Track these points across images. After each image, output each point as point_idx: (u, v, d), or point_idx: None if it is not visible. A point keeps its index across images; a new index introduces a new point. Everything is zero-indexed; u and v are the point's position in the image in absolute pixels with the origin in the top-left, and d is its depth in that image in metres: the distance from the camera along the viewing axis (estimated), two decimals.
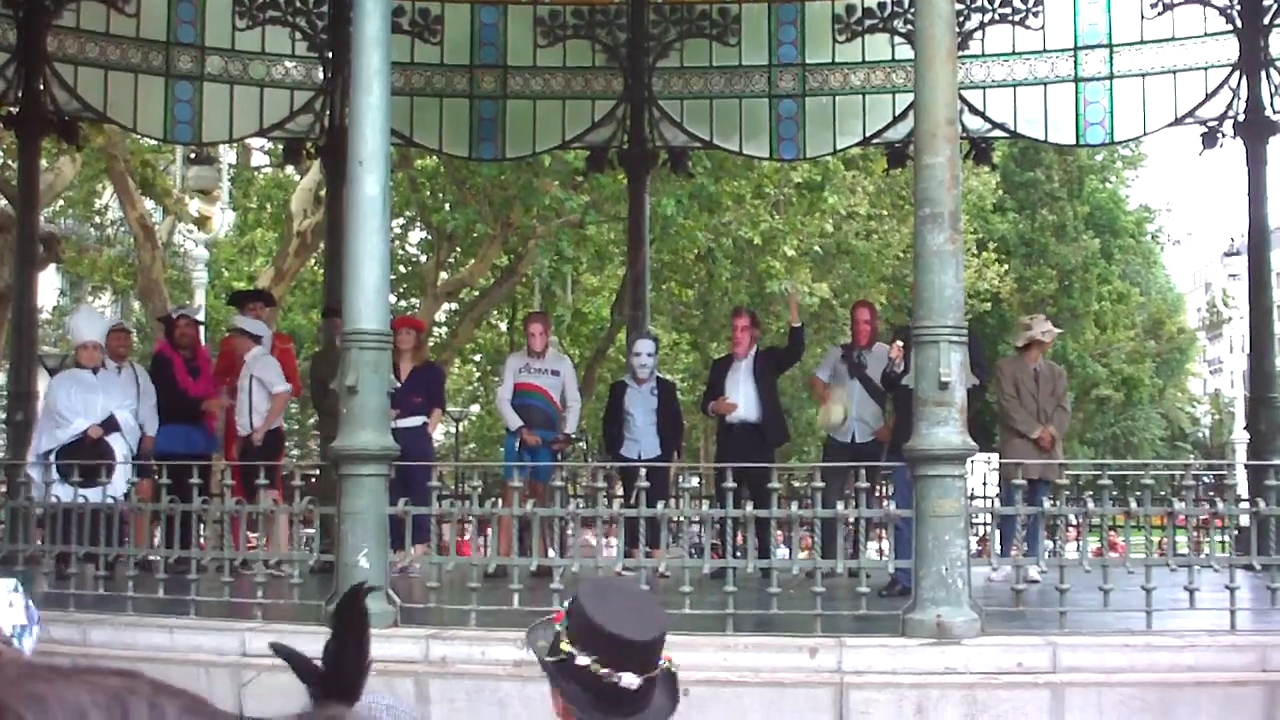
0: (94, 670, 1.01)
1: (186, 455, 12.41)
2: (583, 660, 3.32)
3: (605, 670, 3.27)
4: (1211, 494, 15.15)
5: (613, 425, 14.29)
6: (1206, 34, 15.66)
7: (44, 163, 19.95)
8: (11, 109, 15.38)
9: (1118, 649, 8.43)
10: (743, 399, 13.74)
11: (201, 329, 15.88)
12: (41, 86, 15.44)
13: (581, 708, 3.35)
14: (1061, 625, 8.75)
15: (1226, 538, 13.22)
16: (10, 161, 21.55)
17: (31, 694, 0.96)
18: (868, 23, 16.62)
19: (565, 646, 3.36)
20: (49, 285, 34.13)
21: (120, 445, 12.71)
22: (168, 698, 1.01)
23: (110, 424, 12.66)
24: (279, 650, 1.98)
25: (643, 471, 9.60)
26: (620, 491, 14.87)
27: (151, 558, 10.70)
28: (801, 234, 29.80)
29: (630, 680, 3.26)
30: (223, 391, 14.47)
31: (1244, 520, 10.03)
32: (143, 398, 13.67)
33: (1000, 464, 13.66)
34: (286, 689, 1.92)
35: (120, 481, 11.67)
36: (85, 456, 11.93)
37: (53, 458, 12.13)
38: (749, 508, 9.31)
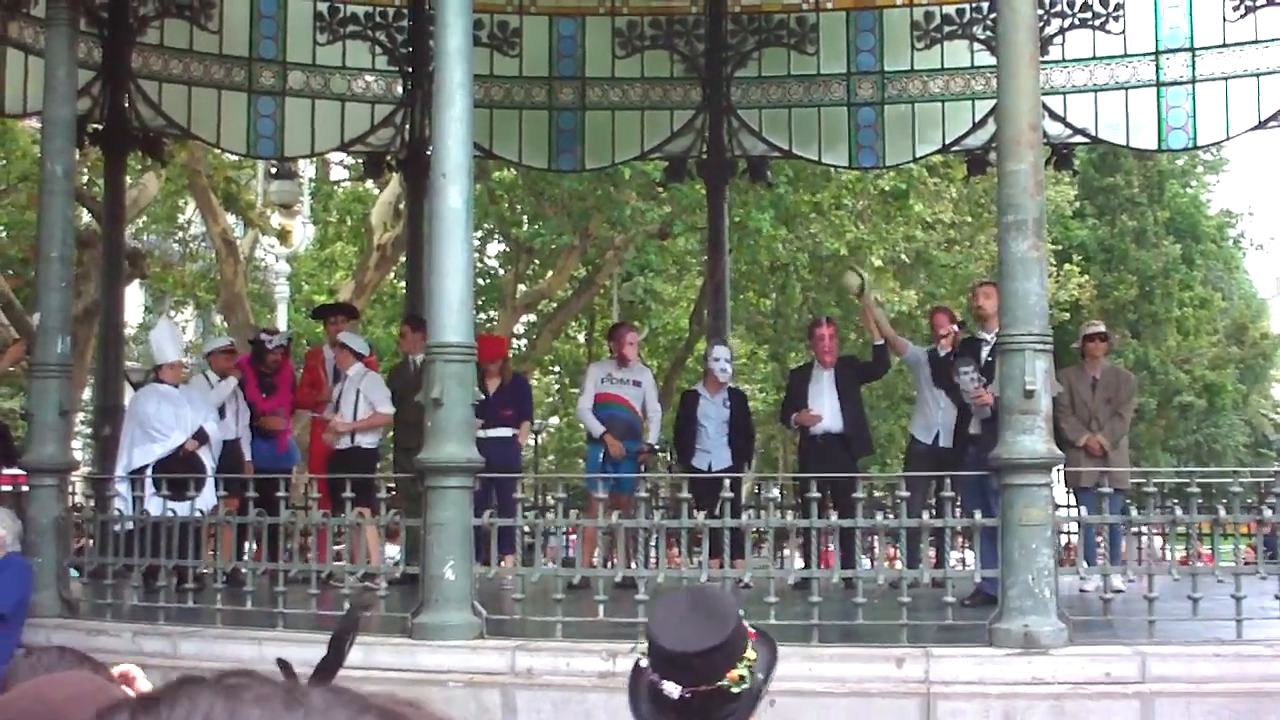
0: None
1: (264, 469, 12.61)
2: (643, 663, 3.36)
3: (655, 676, 3.30)
4: None
5: (684, 435, 14.17)
6: None
7: (129, 179, 20.16)
8: (97, 126, 15.51)
9: (1208, 658, 8.35)
10: (827, 409, 13.62)
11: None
12: (126, 103, 15.60)
13: (642, 714, 3.39)
14: (1150, 635, 8.67)
15: None
16: (96, 178, 21.77)
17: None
18: (947, 29, 16.51)
19: (641, 649, 3.40)
20: (133, 300, 34.47)
21: (207, 458, 12.80)
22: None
23: (200, 437, 12.74)
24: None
25: (726, 482, 9.60)
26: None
27: (241, 570, 10.82)
28: (887, 243, 29.52)
29: (671, 689, 3.28)
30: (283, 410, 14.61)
31: None
32: (240, 417, 13.79)
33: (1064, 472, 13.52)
34: None
35: (209, 495, 11.76)
36: (179, 469, 12.02)
37: (149, 472, 12.17)
38: (834, 517, 9.29)
